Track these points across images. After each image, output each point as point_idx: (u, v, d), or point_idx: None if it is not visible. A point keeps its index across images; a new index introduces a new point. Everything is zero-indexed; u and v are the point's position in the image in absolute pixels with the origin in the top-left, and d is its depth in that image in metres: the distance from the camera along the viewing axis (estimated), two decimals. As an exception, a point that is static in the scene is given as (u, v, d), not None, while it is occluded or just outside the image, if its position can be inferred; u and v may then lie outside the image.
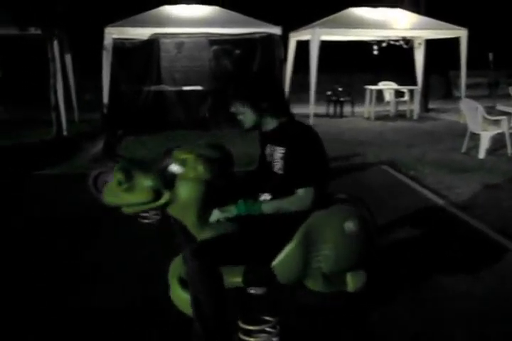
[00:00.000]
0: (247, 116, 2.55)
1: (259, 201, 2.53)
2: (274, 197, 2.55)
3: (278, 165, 2.52)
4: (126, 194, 2.45)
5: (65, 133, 9.50)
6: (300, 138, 2.52)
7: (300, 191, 2.45)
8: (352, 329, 2.84)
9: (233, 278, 2.47)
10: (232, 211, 2.47)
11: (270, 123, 2.59)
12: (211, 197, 2.51)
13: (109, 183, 2.53)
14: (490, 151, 7.38)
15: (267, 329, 2.55)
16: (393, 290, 3.24)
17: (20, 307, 3.07)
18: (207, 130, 9.74)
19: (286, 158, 2.49)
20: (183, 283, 2.55)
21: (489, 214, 4.75)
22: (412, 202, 5.19)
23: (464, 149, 7.62)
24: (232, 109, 2.58)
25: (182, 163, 2.50)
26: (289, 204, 2.47)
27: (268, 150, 2.62)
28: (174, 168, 2.50)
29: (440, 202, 5.21)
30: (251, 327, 2.53)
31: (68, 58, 10.79)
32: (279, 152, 2.52)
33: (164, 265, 2.71)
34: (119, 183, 2.44)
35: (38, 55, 10.42)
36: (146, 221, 4.38)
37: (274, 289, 2.58)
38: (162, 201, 2.47)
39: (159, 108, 10.32)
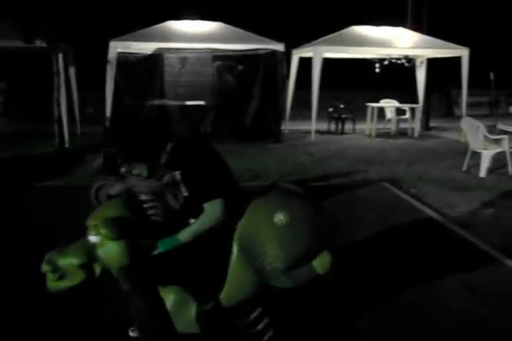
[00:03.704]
0: (139, 166, 2.59)
1: (174, 235, 2.49)
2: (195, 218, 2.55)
3: (183, 190, 2.56)
4: (62, 281, 2.46)
5: (67, 145, 9.53)
6: (191, 152, 2.57)
7: (207, 206, 2.47)
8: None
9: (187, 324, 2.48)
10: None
11: (161, 159, 2.59)
12: (137, 248, 2.48)
13: (48, 276, 2.51)
14: (491, 170, 7.39)
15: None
16: (392, 306, 3.23)
17: (18, 317, 3.06)
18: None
19: (185, 179, 2.53)
20: None
21: (490, 232, 4.75)
22: (413, 219, 5.19)
23: (464, 167, 7.63)
24: (125, 170, 2.60)
25: (97, 230, 2.46)
26: (201, 223, 2.48)
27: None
28: (92, 238, 2.48)
29: (441, 220, 5.21)
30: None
31: (72, 71, 10.84)
32: (178, 177, 2.56)
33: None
34: (53, 274, 2.44)
35: (42, 68, 10.48)
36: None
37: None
38: (98, 273, 2.48)
39: (162, 122, 10.34)
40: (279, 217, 2.42)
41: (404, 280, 3.66)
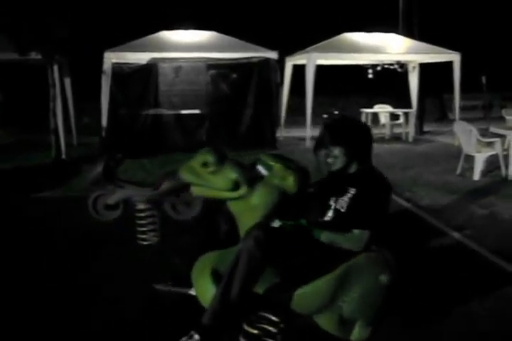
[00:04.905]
0: (339, 159, 2.75)
1: (318, 229, 2.64)
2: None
3: (342, 204, 2.68)
4: (207, 175, 2.60)
5: (63, 156, 9.55)
6: (376, 184, 2.72)
7: (357, 231, 2.61)
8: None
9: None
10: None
11: (352, 167, 2.79)
12: (280, 207, 2.65)
13: (191, 161, 2.67)
14: (484, 173, 7.45)
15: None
16: (392, 311, 3.26)
17: (21, 318, 3.08)
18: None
19: (354, 198, 2.66)
20: (215, 277, 2.60)
21: (485, 235, 4.79)
22: (408, 223, 5.24)
23: (458, 171, 7.70)
24: (326, 152, 2.78)
25: (268, 167, 2.67)
26: (345, 240, 2.62)
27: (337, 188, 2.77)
28: (262, 170, 2.67)
29: (436, 223, 5.26)
30: (255, 331, 2.52)
31: (68, 82, 10.92)
32: (350, 192, 2.69)
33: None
34: (205, 164, 2.58)
35: (38, 79, 10.55)
36: (145, 243, 4.41)
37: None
38: (235, 195, 2.60)
39: (157, 131, 10.41)
40: (385, 278, 2.59)
41: (404, 284, 3.69)
